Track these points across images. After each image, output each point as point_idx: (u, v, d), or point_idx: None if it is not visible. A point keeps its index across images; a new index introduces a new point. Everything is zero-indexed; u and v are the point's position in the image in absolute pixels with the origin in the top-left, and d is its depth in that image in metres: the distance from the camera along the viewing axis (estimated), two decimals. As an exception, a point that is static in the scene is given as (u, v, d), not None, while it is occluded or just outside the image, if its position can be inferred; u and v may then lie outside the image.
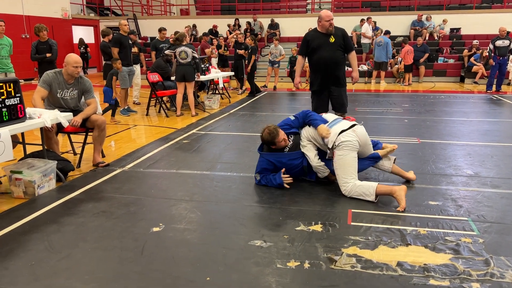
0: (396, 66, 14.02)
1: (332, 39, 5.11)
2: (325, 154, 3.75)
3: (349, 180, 3.51)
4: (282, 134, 3.75)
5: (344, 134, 3.56)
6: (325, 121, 3.77)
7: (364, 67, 14.51)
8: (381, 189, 3.41)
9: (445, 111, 8.27)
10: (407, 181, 3.96)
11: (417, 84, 13.53)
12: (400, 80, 13.76)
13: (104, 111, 7.29)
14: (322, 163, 3.76)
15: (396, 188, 3.37)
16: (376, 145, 3.98)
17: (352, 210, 3.32)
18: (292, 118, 3.92)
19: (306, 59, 5.39)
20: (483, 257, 2.59)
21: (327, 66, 5.16)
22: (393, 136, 5.91)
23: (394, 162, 3.94)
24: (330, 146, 3.61)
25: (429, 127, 6.62)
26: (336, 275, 2.41)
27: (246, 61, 11.09)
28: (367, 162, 3.83)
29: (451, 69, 14.46)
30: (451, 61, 14.71)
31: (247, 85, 11.37)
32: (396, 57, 14.21)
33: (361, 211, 3.30)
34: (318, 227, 3.02)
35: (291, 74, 12.18)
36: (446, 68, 14.50)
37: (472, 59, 13.40)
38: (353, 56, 5.27)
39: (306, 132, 3.81)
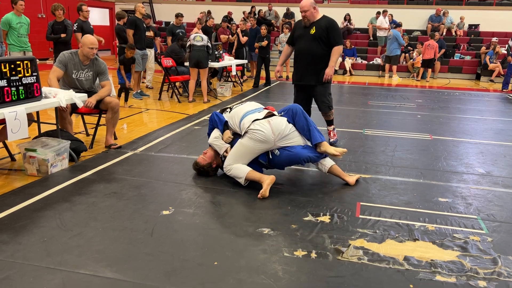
0: (411, 60, 13.85)
1: (312, 31, 4.63)
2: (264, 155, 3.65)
3: (233, 164, 3.57)
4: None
5: (257, 122, 3.52)
6: (221, 125, 3.80)
7: (379, 60, 14.36)
8: (251, 175, 3.50)
9: (459, 108, 8.18)
10: (347, 184, 3.71)
11: (432, 80, 13.36)
12: (414, 75, 13.61)
13: (119, 93, 7.35)
14: (220, 141, 3.77)
15: (264, 177, 3.45)
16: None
17: (361, 203, 3.32)
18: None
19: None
20: (491, 255, 2.58)
21: (303, 59, 4.76)
22: (405, 131, 5.87)
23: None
24: (242, 133, 3.59)
25: (442, 124, 6.56)
26: (342, 266, 2.43)
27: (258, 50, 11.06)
28: (307, 156, 3.57)
29: (467, 66, 14.25)
30: (468, 58, 14.49)
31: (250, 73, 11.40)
32: (411, 52, 14.04)
33: (369, 204, 3.30)
34: (326, 218, 3.04)
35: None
36: (462, 65, 14.30)
37: (487, 58, 13.17)
38: (334, 50, 4.65)
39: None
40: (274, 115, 3.66)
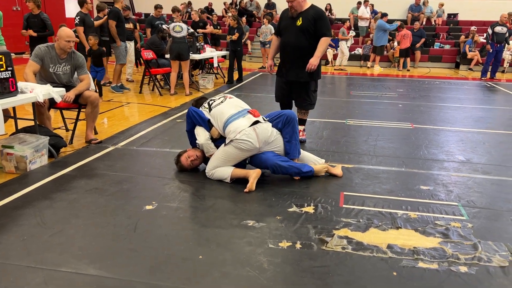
0: (392, 50, 13.96)
1: (299, 22, 4.36)
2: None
3: (214, 167, 3.54)
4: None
5: (243, 132, 3.41)
6: (204, 123, 3.65)
7: (360, 50, 14.43)
8: (236, 174, 3.49)
9: (439, 97, 8.29)
10: (331, 174, 3.72)
11: (412, 69, 13.51)
12: (395, 65, 13.73)
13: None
14: (212, 146, 3.65)
15: (250, 171, 3.44)
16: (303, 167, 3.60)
17: (345, 193, 3.34)
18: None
19: None
20: (472, 241, 2.63)
21: (288, 52, 4.51)
22: (387, 121, 5.92)
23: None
24: (227, 142, 3.49)
25: (423, 113, 6.65)
26: (327, 256, 2.44)
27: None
28: (291, 171, 3.54)
29: (447, 55, 14.45)
30: (447, 47, 14.68)
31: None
32: (391, 41, 14.14)
33: (353, 194, 3.33)
34: (310, 209, 3.05)
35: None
36: (442, 54, 14.48)
37: (466, 46, 13.37)
38: (322, 41, 4.37)
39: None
40: (259, 121, 3.54)
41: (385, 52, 13.91)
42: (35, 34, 7.53)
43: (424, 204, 3.18)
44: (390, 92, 8.64)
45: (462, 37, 14.11)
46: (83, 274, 2.22)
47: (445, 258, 2.44)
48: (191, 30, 7.65)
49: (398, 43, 13.39)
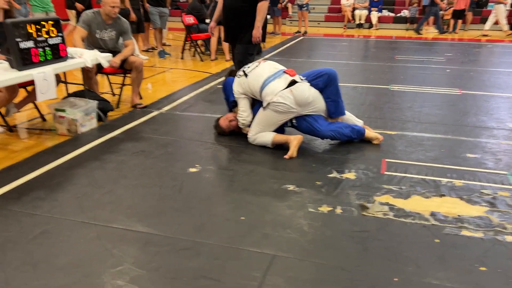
0: (441, 12, 13.19)
1: None
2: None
3: (256, 132, 3.55)
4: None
5: (280, 94, 3.36)
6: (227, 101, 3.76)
7: (406, 12, 13.74)
8: (277, 139, 3.50)
9: (491, 61, 7.84)
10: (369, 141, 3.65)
11: (463, 32, 12.77)
12: (444, 28, 13.00)
13: None
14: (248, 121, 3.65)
15: (291, 138, 3.43)
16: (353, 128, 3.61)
17: (387, 160, 3.30)
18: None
19: None
20: (520, 211, 2.55)
21: (226, 15, 4.41)
22: (433, 86, 5.69)
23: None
24: (264, 106, 3.45)
25: (472, 78, 6.33)
26: (367, 221, 2.45)
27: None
28: (346, 132, 3.56)
29: (502, 16, 13.47)
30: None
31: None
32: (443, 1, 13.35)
33: (395, 161, 3.27)
34: (351, 175, 3.04)
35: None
36: (496, 15, 13.52)
37: None
38: (259, 7, 4.18)
39: (239, 86, 3.63)
40: (296, 81, 3.46)
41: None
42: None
43: (471, 172, 3.09)
44: (438, 57, 8.25)
45: (520, -4, 13.08)
46: (133, 230, 2.36)
47: (491, 227, 2.39)
48: None
49: (451, 3, 12.56)
